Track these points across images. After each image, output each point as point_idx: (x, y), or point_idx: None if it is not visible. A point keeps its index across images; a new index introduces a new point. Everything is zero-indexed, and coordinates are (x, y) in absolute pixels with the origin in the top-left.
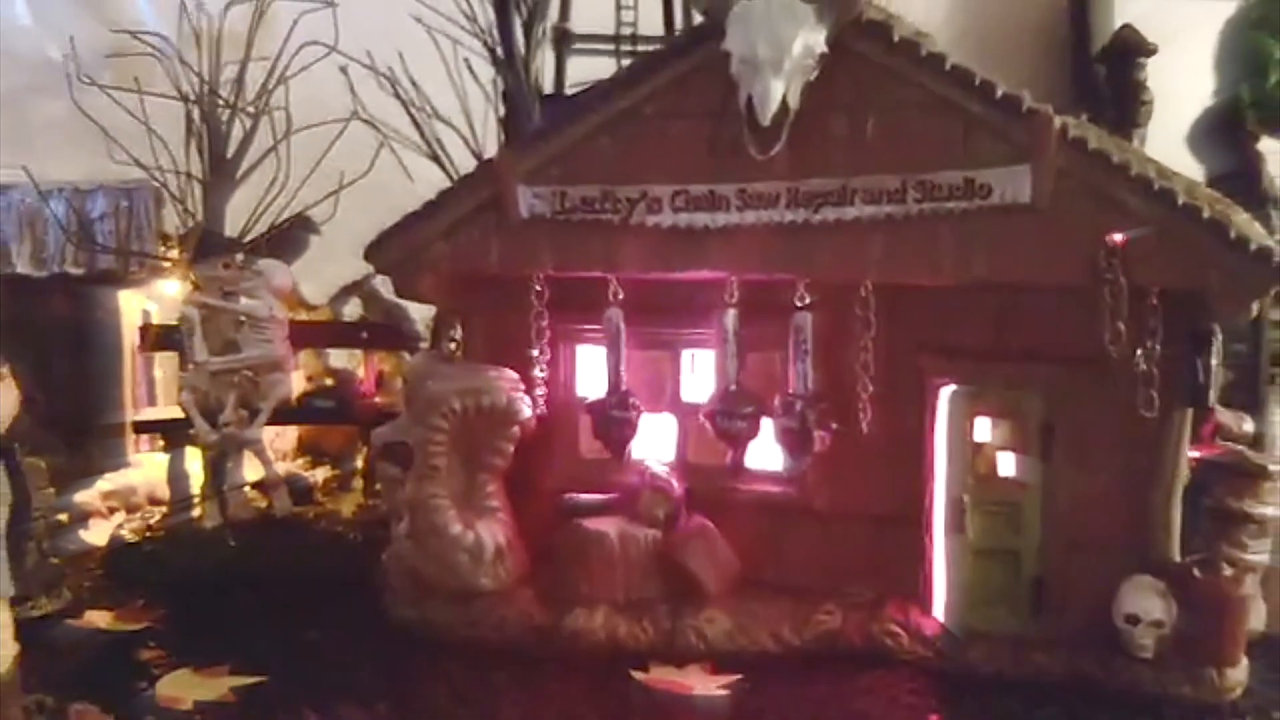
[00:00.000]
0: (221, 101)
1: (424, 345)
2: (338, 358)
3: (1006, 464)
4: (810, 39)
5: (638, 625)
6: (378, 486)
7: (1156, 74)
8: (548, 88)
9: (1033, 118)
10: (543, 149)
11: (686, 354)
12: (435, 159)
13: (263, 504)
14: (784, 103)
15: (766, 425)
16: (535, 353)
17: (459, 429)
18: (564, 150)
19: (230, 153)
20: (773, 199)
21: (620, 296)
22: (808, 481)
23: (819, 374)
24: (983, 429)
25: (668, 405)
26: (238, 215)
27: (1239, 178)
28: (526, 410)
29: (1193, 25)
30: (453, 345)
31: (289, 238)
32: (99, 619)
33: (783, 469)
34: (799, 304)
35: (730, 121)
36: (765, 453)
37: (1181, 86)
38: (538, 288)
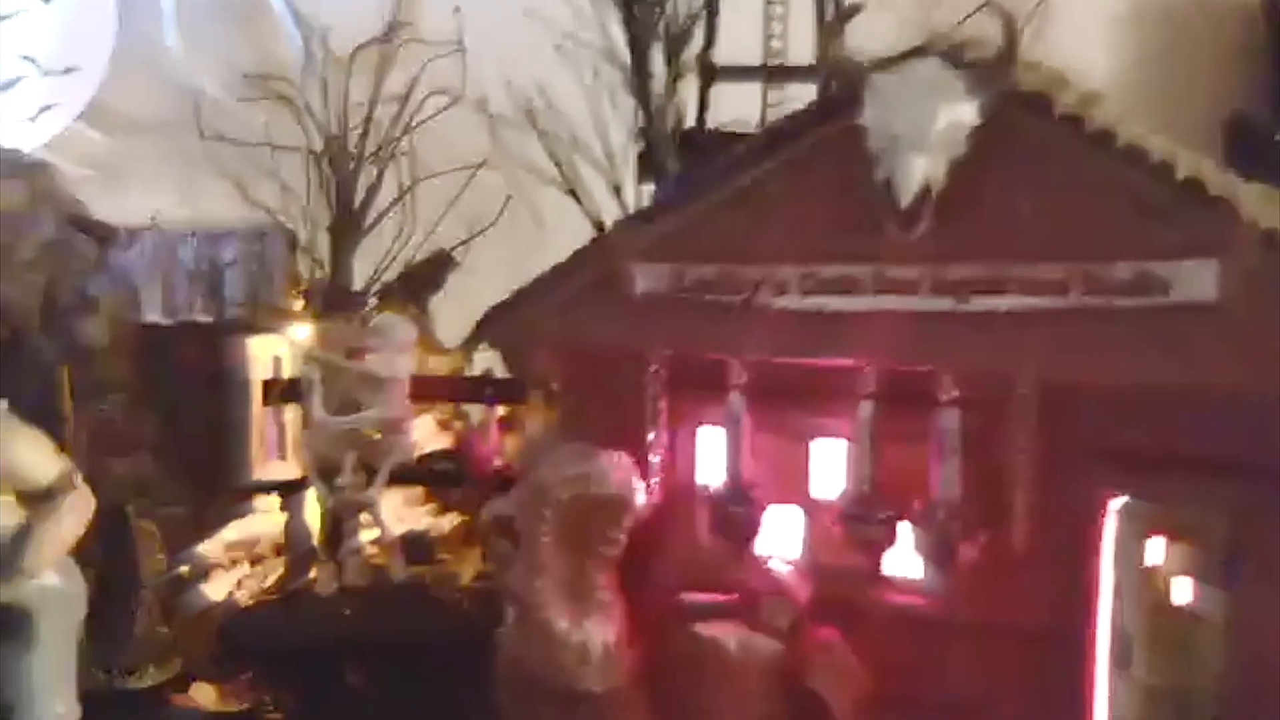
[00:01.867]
0: (348, 152)
1: None
2: None
3: (1183, 591)
4: (956, 113)
5: None
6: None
7: None
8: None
9: (1219, 207)
10: (661, 224)
11: (817, 443)
12: (573, 194)
13: (382, 561)
14: (926, 183)
15: (906, 530)
16: (650, 436)
17: (567, 517)
18: (683, 226)
19: (357, 203)
20: (914, 284)
21: (743, 381)
22: (953, 594)
23: (966, 477)
24: (1156, 549)
25: (796, 498)
26: (368, 262)
27: None
28: (640, 498)
29: None
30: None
31: (425, 277)
32: (204, 696)
33: (923, 579)
34: (945, 399)
35: (867, 199)
36: (904, 559)
37: None
38: (654, 368)
